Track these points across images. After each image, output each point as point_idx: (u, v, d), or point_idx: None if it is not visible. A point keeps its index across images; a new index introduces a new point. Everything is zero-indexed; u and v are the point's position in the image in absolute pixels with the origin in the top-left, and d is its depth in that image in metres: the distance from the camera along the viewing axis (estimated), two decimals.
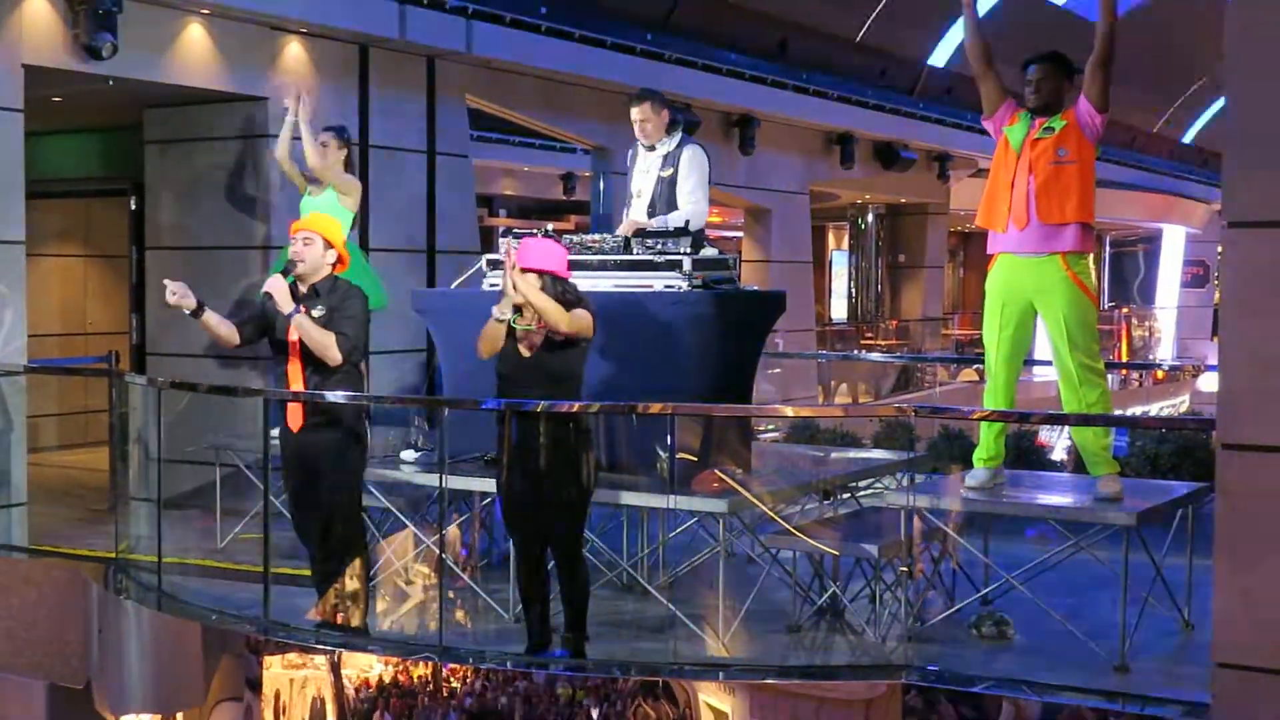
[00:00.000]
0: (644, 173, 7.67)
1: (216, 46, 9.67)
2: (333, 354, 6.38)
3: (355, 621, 6.61)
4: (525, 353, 6.13)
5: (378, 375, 10.16)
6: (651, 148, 7.65)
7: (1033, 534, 6.78)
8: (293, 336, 6.44)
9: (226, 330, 6.59)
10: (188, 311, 6.47)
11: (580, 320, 6.07)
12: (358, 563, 6.61)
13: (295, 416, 6.50)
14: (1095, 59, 6.40)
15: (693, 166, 7.55)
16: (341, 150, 8.70)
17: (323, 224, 6.67)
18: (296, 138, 8.72)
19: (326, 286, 6.53)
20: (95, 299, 13.45)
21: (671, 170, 7.56)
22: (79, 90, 9.84)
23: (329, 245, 6.55)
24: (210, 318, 6.53)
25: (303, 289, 6.50)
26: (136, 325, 11.49)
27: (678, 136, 7.66)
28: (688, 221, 7.36)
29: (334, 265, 6.58)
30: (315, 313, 6.44)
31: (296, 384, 6.49)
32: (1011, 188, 6.49)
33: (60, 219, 13.23)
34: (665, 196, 7.56)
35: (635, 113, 7.62)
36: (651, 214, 7.58)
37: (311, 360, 6.44)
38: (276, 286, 6.41)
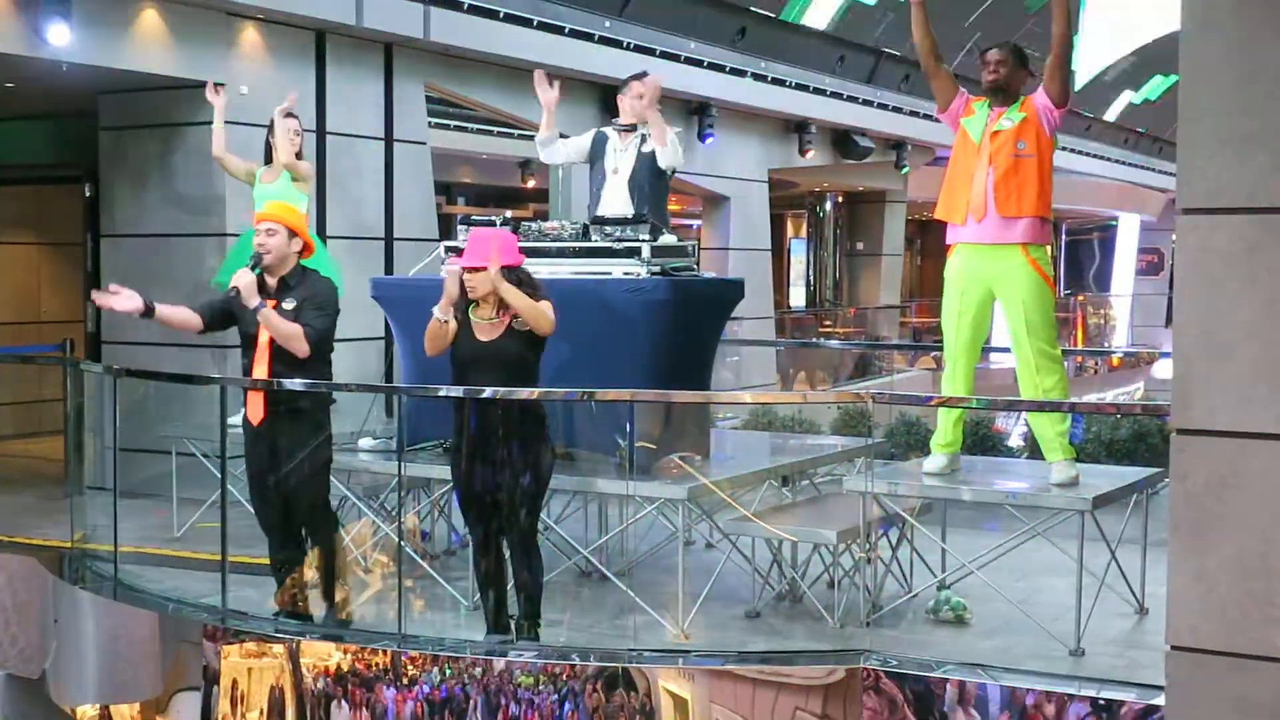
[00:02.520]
0: (621, 151, 7.73)
1: (171, 32, 9.59)
2: (299, 346, 6.29)
3: (340, 612, 6.62)
4: (482, 340, 6.12)
5: (335, 363, 10.12)
6: (633, 128, 7.73)
7: (993, 528, 6.83)
8: (263, 334, 6.35)
9: (185, 317, 6.53)
10: (138, 315, 6.42)
11: (550, 316, 6.08)
12: (329, 553, 6.61)
13: (256, 409, 6.43)
14: (1054, 60, 6.45)
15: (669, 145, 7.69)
16: (299, 136, 8.66)
17: (285, 213, 6.54)
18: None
19: (296, 278, 6.43)
20: (49, 287, 13.35)
21: (653, 149, 7.64)
22: (32, 76, 9.75)
23: (294, 233, 6.43)
24: (164, 311, 6.46)
25: (271, 281, 6.39)
26: (92, 313, 11.40)
27: None
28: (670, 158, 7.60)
29: (300, 253, 6.48)
30: (285, 305, 6.34)
31: (264, 374, 6.38)
32: (971, 180, 6.52)
33: (13, 206, 13.13)
34: (647, 169, 7.64)
35: (640, 87, 7.72)
36: (633, 189, 7.62)
37: (281, 356, 6.34)
38: (244, 281, 6.26)
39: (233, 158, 8.72)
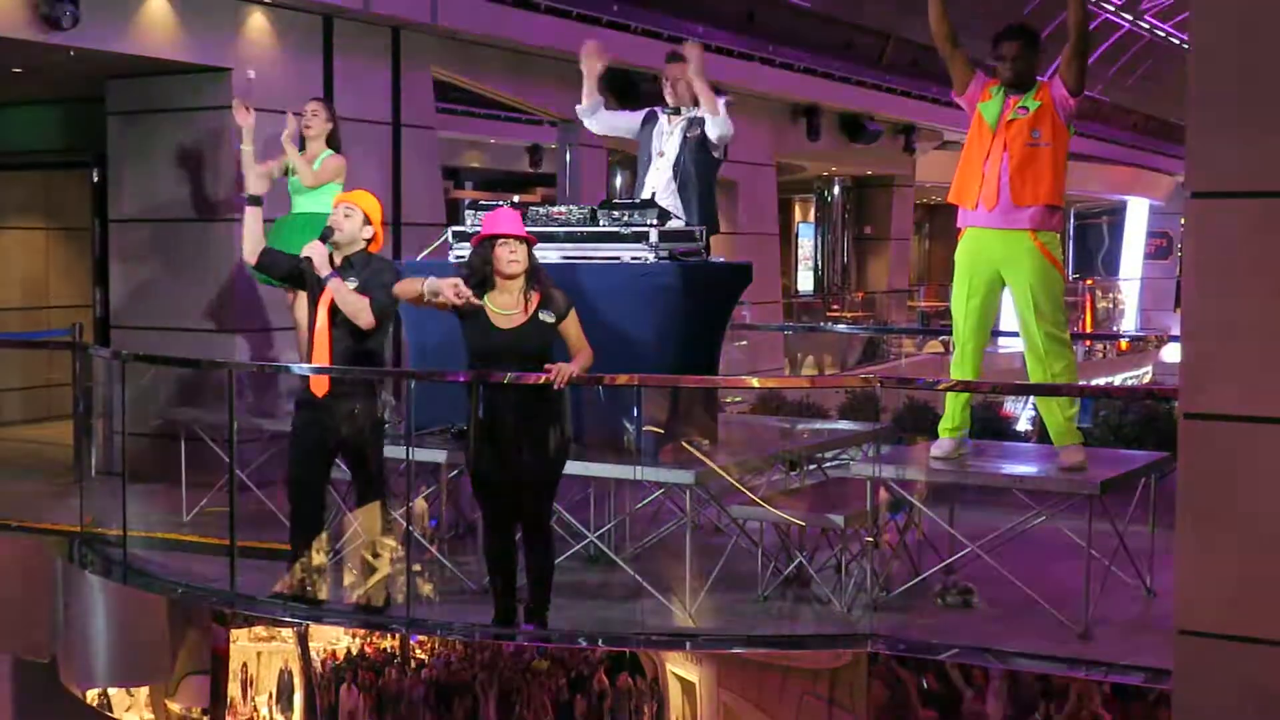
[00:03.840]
0: (667, 134, 7.76)
1: (179, 17, 9.59)
2: (366, 317, 6.49)
3: (320, 594, 6.65)
4: (503, 328, 6.10)
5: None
6: (677, 111, 7.75)
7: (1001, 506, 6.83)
8: (325, 301, 6.53)
9: (256, 239, 6.76)
10: (247, 195, 6.81)
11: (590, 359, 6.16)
12: (381, 534, 6.73)
13: (320, 382, 6.57)
14: (1071, 49, 6.41)
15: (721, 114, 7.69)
16: (328, 124, 8.63)
17: (366, 201, 6.79)
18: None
19: (361, 260, 6.63)
20: (58, 272, 13.36)
21: (699, 131, 7.65)
22: (40, 61, 9.75)
23: (368, 221, 6.66)
24: (252, 217, 6.76)
25: (337, 260, 6.59)
26: (100, 298, 11.41)
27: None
28: (719, 131, 7.62)
29: (369, 242, 6.69)
30: (349, 284, 6.53)
31: (323, 346, 6.55)
32: (984, 167, 6.50)
33: (21, 191, 13.13)
34: (693, 156, 7.65)
35: (675, 70, 7.75)
36: (676, 173, 7.63)
37: (342, 325, 6.53)
38: (316, 251, 6.53)
39: (261, 169, 8.61)
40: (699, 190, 7.63)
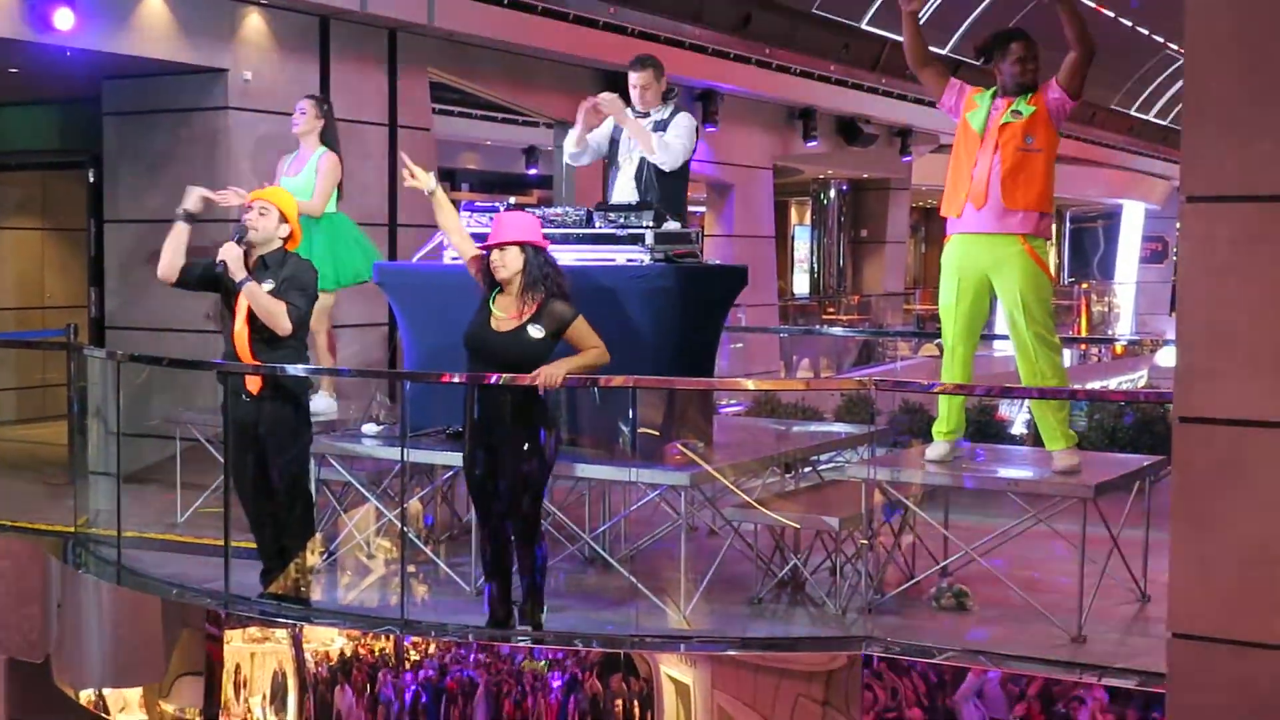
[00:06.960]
0: (632, 142, 7.66)
1: (176, 18, 9.59)
2: (282, 323, 6.40)
3: (314, 595, 6.65)
4: (497, 330, 6.10)
5: (340, 349, 10.14)
6: (645, 114, 7.65)
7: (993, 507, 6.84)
8: (242, 307, 6.44)
9: (176, 260, 6.60)
10: (182, 211, 6.60)
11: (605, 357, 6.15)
12: (312, 536, 6.72)
13: (254, 381, 6.52)
14: (1076, 58, 6.37)
15: (682, 122, 7.58)
16: (319, 120, 8.63)
17: (281, 198, 6.68)
18: None
19: (277, 260, 6.54)
20: (53, 272, 13.36)
21: (661, 134, 7.54)
22: (36, 61, 9.74)
23: (284, 219, 6.56)
24: (181, 234, 6.59)
25: (252, 259, 6.50)
26: (95, 299, 11.41)
27: (671, 105, 7.68)
28: (669, 153, 7.49)
29: (286, 240, 6.59)
30: (264, 285, 6.44)
31: (244, 352, 6.48)
32: (973, 172, 6.49)
33: (17, 192, 13.13)
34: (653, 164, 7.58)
35: (637, 78, 7.64)
36: (639, 180, 7.58)
37: (259, 330, 6.44)
38: (231, 254, 6.40)
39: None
40: (664, 194, 7.52)
